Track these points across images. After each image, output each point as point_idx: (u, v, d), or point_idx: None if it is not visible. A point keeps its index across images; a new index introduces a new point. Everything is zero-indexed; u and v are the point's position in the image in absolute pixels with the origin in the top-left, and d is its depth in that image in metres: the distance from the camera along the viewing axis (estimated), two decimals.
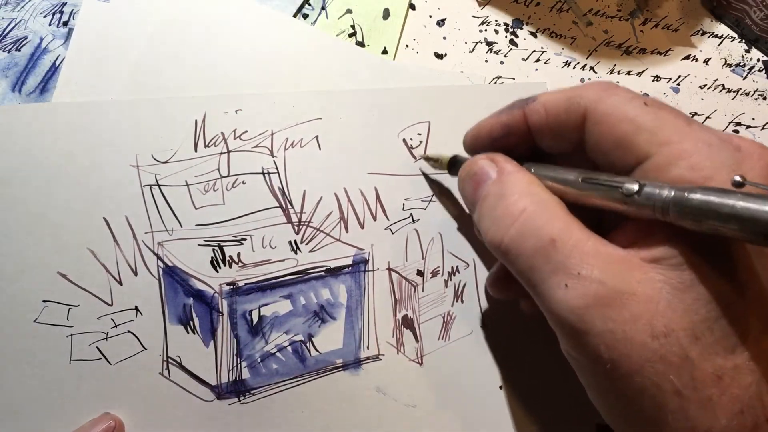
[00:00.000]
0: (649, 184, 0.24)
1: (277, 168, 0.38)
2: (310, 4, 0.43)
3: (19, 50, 0.39)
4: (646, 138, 0.25)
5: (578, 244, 0.25)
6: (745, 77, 0.46)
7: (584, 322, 0.24)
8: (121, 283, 0.35)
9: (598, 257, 0.24)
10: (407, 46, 0.43)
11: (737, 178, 0.22)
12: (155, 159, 0.37)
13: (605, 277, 0.24)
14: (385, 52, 0.42)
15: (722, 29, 0.47)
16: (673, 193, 0.23)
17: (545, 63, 0.44)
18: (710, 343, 0.22)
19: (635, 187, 0.24)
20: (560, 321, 0.25)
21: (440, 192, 0.39)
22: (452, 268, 0.38)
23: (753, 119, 0.46)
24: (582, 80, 0.44)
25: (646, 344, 0.23)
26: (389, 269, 0.37)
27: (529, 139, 0.31)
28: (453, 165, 0.35)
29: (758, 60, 0.47)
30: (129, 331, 0.35)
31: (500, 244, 0.27)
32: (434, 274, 0.38)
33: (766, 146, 0.25)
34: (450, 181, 0.39)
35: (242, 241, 0.36)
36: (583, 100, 0.28)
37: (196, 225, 0.36)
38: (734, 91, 0.46)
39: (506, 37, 0.44)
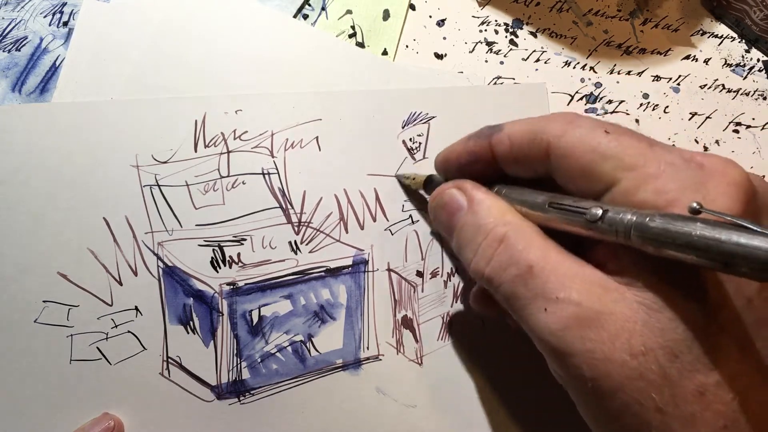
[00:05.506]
0: (612, 209, 0.24)
1: (277, 168, 0.38)
2: (310, 5, 0.43)
3: (19, 50, 0.39)
4: (611, 165, 0.25)
5: (555, 269, 0.25)
6: (745, 77, 0.46)
7: (565, 343, 0.24)
8: (121, 284, 0.35)
9: (575, 279, 0.25)
10: (407, 46, 0.43)
11: (694, 205, 0.21)
12: (155, 159, 0.37)
13: (582, 298, 0.24)
14: (385, 52, 0.42)
15: (722, 29, 0.47)
16: (635, 219, 0.23)
17: (545, 63, 0.44)
18: (690, 360, 0.23)
19: (599, 212, 0.24)
20: (543, 343, 0.25)
21: (419, 205, 0.39)
22: (452, 269, 0.38)
23: (753, 119, 0.46)
24: (582, 80, 0.44)
25: (625, 362, 0.23)
26: (389, 270, 0.37)
27: (497, 165, 0.31)
28: (428, 184, 0.36)
29: (758, 60, 0.47)
30: (129, 332, 0.35)
31: (482, 275, 0.28)
32: (434, 274, 0.38)
33: (730, 161, 0.25)
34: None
35: (242, 242, 0.36)
36: (546, 135, 0.28)
37: (196, 225, 0.36)
38: (734, 91, 0.46)
39: (506, 37, 0.44)
